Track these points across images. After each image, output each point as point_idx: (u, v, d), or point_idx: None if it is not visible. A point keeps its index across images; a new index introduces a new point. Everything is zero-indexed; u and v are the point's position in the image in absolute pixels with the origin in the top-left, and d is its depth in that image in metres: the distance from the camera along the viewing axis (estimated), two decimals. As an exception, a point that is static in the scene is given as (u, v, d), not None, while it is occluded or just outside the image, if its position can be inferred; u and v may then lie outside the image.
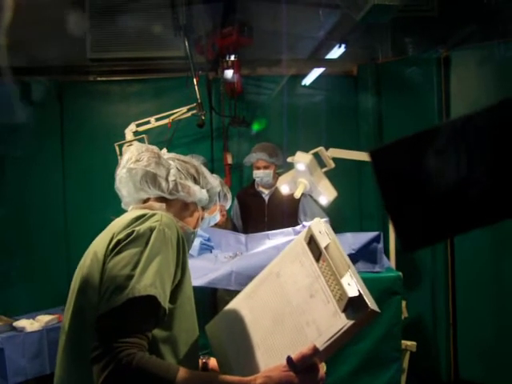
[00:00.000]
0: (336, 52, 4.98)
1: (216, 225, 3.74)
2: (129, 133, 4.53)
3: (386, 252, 3.75)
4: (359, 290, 1.37)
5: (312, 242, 1.52)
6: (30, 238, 5.08)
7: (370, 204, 5.21)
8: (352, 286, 1.38)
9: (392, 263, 3.75)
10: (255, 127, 5.37)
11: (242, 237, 3.97)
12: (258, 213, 4.68)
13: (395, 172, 0.91)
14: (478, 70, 4.78)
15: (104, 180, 4.44)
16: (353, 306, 1.36)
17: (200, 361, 1.84)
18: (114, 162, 4.12)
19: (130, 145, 4.31)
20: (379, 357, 3.23)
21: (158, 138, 4.62)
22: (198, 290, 2.03)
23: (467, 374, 4.76)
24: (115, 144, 4.45)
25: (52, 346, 3.96)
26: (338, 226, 3.86)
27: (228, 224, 4.64)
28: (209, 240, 3.74)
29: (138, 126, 4.54)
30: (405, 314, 3.50)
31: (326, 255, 1.46)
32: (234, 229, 4.66)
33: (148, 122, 4.55)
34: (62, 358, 1.59)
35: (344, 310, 1.37)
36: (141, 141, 4.37)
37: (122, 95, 5.46)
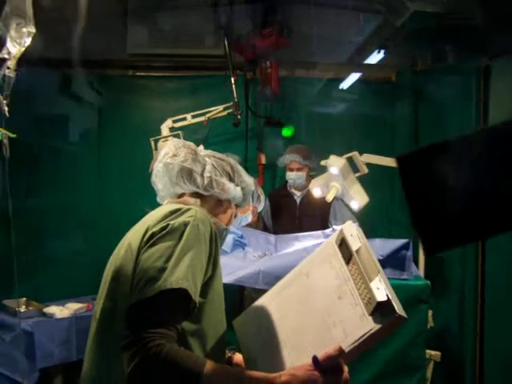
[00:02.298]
0: (375, 57, 4.98)
1: (247, 225, 3.77)
2: (165, 128, 4.58)
3: (415, 260, 3.73)
4: (388, 295, 1.38)
5: (343, 244, 1.54)
6: (63, 226, 5.16)
7: (400, 211, 5.18)
8: (381, 290, 1.39)
9: (421, 271, 3.74)
10: (287, 131, 5.37)
11: (272, 237, 3.99)
12: (289, 214, 4.70)
13: (420, 178, 0.94)
14: None
15: (139, 173, 4.50)
16: (381, 310, 1.37)
17: (227, 353, 1.87)
18: (148, 157, 4.23)
19: (166, 140, 4.36)
20: (403, 364, 3.22)
21: (193, 135, 4.65)
22: (225, 287, 2.06)
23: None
24: (151, 139, 4.50)
25: (80, 334, 4.02)
26: (368, 232, 3.82)
27: (259, 224, 4.66)
28: (241, 237, 3.77)
29: (174, 122, 4.58)
30: (431, 324, 3.48)
31: (357, 258, 1.48)
32: (265, 229, 4.68)
33: (184, 119, 4.59)
34: (92, 345, 1.63)
35: (371, 314, 1.38)
36: (176, 137, 4.41)
37: (160, 91, 5.52)
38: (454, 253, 4.88)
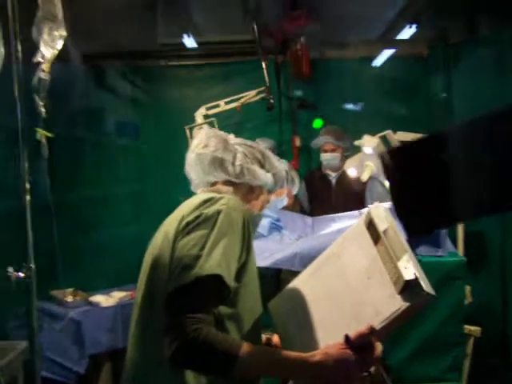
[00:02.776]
0: (407, 32, 4.94)
1: (284, 207, 3.81)
2: (199, 116, 4.64)
3: (454, 236, 3.73)
4: (415, 274, 1.41)
5: (371, 225, 1.58)
6: (106, 218, 5.30)
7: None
8: (409, 269, 1.43)
9: (460, 248, 3.74)
10: (318, 123, 5.38)
11: (309, 219, 4.03)
12: (324, 195, 4.72)
13: (407, 168, 1.01)
14: None
15: (176, 162, 4.58)
16: (409, 288, 1.41)
17: (265, 336, 1.94)
18: (184, 145, 4.30)
19: (201, 128, 4.42)
20: (441, 341, 3.25)
21: (227, 121, 4.72)
22: (262, 270, 2.11)
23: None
24: (186, 127, 4.56)
25: (125, 321, 4.14)
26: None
27: (296, 207, 4.70)
28: (278, 220, 3.81)
29: (207, 109, 4.64)
30: (469, 299, 3.49)
31: (384, 239, 1.52)
32: (302, 211, 4.71)
33: (217, 106, 4.64)
34: (135, 331, 1.71)
35: (400, 293, 1.42)
36: (210, 124, 4.47)
37: (192, 79, 5.60)
38: (493, 228, 4.85)
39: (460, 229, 3.82)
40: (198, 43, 5.40)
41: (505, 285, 4.90)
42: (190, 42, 5.26)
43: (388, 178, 1.11)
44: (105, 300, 4.26)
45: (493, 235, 4.92)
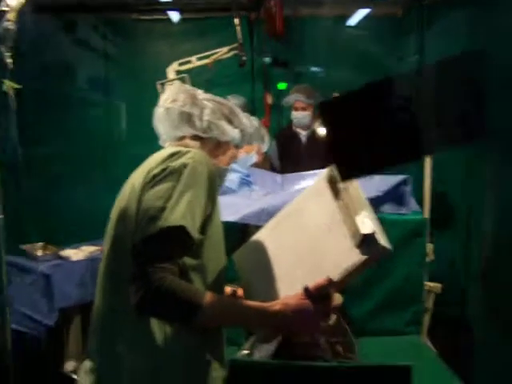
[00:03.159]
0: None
1: (254, 165, 3.84)
2: (171, 72, 4.61)
3: (420, 196, 3.81)
4: (372, 228, 1.47)
5: (332, 181, 1.63)
6: (75, 173, 5.27)
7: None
8: (366, 224, 1.48)
9: (426, 208, 3.81)
10: (282, 86, 5.38)
11: (278, 176, 4.07)
12: (295, 154, 4.76)
13: (339, 119, 1.25)
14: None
15: (147, 117, 4.57)
16: (366, 242, 1.47)
17: (230, 289, 1.99)
18: (155, 101, 4.28)
19: (172, 83, 4.41)
20: (402, 296, 3.34)
21: (199, 78, 4.69)
22: (229, 225, 2.16)
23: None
24: (158, 82, 4.54)
25: (95, 275, 4.12)
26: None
27: (266, 164, 4.73)
28: (248, 176, 3.85)
29: (180, 65, 4.61)
30: (430, 257, 3.58)
31: (345, 194, 1.57)
32: (272, 169, 4.75)
33: (189, 62, 4.62)
34: (102, 282, 1.75)
35: (358, 246, 1.48)
36: (182, 80, 4.45)
37: (165, 34, 5.53)
38: (459, 189, 4.96)
39: (426, 189, 3.90)
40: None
41: (468, 244, 5.02)
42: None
43: (324, 127, 1.33)
44: (75, 254, 4.28)
45: (458, 196, 5.03)
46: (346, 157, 1.16)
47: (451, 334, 4.28)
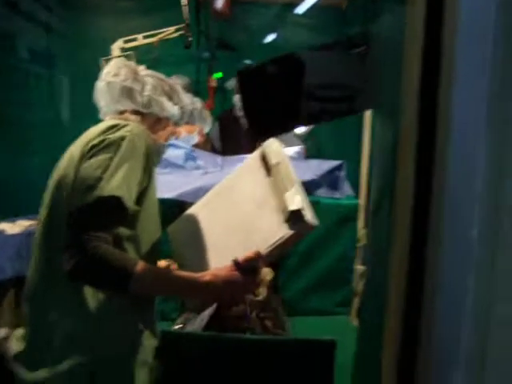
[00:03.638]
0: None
1: (195, 145, 3.88)
2: (116, 49, 4.57)
3: (357, 181, 3.93)
4: (300, 205, 1.54)
5: (265, 159, 1.69)
6: (12, 145, 5.19)
7: (345, 134, 5.31)
8: (295, 200, 1.55)
9: (362, 194, 3.94)
10: (217, 75, 5.42)
11: (219, 158, 4.12)
12: (236, 136, 4.80)
13: (252, 86, 1.33)
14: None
15: (91, 93, 4.54)
16: (294, 218, 1.54)
17: (165, 263, 2.04)
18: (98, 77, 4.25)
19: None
20: (333, 277, 3.46)
21: (144, 56, 4.66)
22: (166, 202, 2.20)
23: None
24: (102, 59, 4.50)
25: (31, 250, 4.11)
26: (313, 154, 4.03)
27: (207, 145, 4.77)
28: (193, 151, 3.88)
29: (125, 42, 4.58)
30: (363, 241, 3.70)
31: (276, 172, 1.63)
32: (213, 150, 4.79)
33: (135, 40, 4.60)
34: (36, 250, 1.77)
35: (286, 221, 1.55)
36: (128, 57, 4.43)
37: (111, 10, 5.47)
38: (393, 179, 5.11)
39: (363, 175, 4.02)
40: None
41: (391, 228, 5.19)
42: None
43: (240, 93, 1.44)
44: (10, 228, 4.22)
45: (392, 184, 5.17)
46: (258, 118, 1.27)
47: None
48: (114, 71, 1.94)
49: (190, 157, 3.71)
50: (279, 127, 1.30)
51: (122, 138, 1.66)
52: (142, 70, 2.02)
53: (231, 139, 4.85)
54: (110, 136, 1.67)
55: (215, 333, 1.91)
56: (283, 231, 1.55)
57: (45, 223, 1.74)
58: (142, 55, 4.62)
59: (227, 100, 5.50)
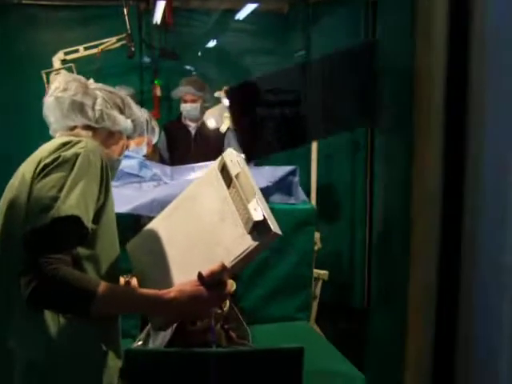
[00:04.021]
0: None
1: (144, 156, 3.83)
2: (56, 61, 4.50)
3: (307, 187, 3.95)
4: (264, 215, 1.52)
5: (224, 170, 1.67)
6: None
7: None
8: (258, 211, 1.53)
9: (313, 199, 3.96)
10: (158, 82, 5.40)
11: (168, 168, 4.08)
12: (184, 146, 4.78)
13: (244, 102, 1.25)
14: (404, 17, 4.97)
15: (31, 107, 4.44)
16: (257, 228, 1.52)
17: (123, 279, 1.99)
18: (41, 90, 4.16)
19: (58, 73, 4.30)
20: (291, 283, 3.46)
21: (86, 68, 4.60)
22: (121, 216, 2.15)
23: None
24: (42, 72, 4.41)
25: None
26: (261, 161, 4.03)
27: (155, 156, 4.73)
28: (145, 160, 3.83)
29: (66, 54, 4.50)
30: (318, 245, 3.72)
31: (236, 182, 1.61)
32: (162, 161, 4.75)
33: (76, 51, 4.53)
34: None
35: (250, 232, 1.53)
36: (69, 69, 4.35)
37: (50, 21, 5.35)
38: (344, 180, 5.19)
39: (313, 181, 4.06)
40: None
41: (354, 233, 5.28)
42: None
43: (230, 111, 1.36)
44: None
45: (343, 188, 5.26)
46: (249, 139, 1.24)
47: (337, 318, 4.49)
48: (62, 86, 1.88)
49: (143, 165, 3.66)
50: (274, 146, 1.27)
51: (77, 155, 1.61)
52: (92, 83, 1.97)
53: (179, 149, 4.82)
54: (64, 153, 1.62)
55: (181, 348, 1.87)
56: (248, 242, 1.52)
57: None
58: (83, 66, 4.56)
59: (173, 109, 5.47)
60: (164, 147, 4.88)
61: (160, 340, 2.20)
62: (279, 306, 3.45)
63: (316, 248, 3.62)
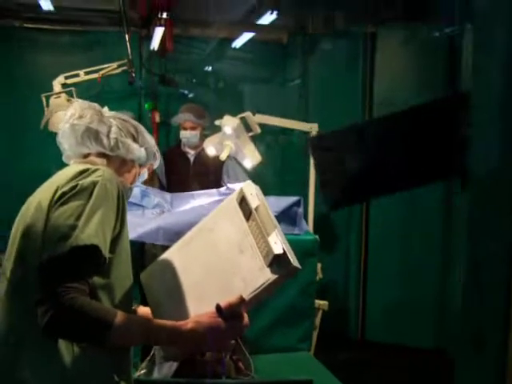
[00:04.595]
0: (268, 18, 5.09)
1: (142, 182, 3.81)
2: (57, 85, 4.48)
3: (305, 217, 3.95)
4: (283, 248, 1.53)
5: (243, 202, 1.67)
6: None
7: (292, 170, 5.39)
8: (278, 244, 1.53)
9: (310, 227, 3.96)
10: (148, 106, 5.42)
11: (168, 195, 4.06)
12: (183, 172, 4.79)
13: (327, 154, 1.23)
14: (402, 49, 5.05)
15: (30, 130, 4.43)
16: (277, 262, 1.52)
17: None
18: (40, 113, 4.16)
19: (58, 97, 4.30)
20: (294, 313, 3.44)
21: (86, 93, 4.60)
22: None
23: (372, 334, 5.15)
24: (42, 95, 4.40)
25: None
26: (261, 190, 4.02)
27: (154, 182, 4.72)
28: (147, 188, 3.82)
29: (66, 78, 4.50)
30: (319, 275, 3.72)
31: (256, 215, 1.61)
32: (160, 187, 4.74)
33: (77, 75, 4.53)
34: (4, 304, 1.67)
35: (269, 265, 1.53)
36: (69, 93, 4.36)
37: (51, 45, 5.38)
38: (340, 211, 5.21)
39: (310, 211, 4.06)
40: (57, 7, 5.19)
41: (349, 263, 5.30)
42: (46, 4, 5.04)
43: (314, 159, 1.42)
44: None
45: (339, 217, 5.28)
46: (332, 188, 1.25)
47: (335, 348, 4.47)
48: (78, 113, 1.88)
49: (145, 193, 3.64)
50: (359, 197, 1.27)
51: (94, 184, 1.61)
52: (106, 111, 1.98)
53: (177, 175, 4.82)
54: (81, 182, 1.61)
55: (193, 379, 1.85)
56: (267, 275, 1.52)
57: (12, 276, 1.65)
58: (83, 91, 4.56)
59: (171, 135, 5.48)
60: (162, 173, 4.88)
61: (166, 369, 2.18)
62: (281, 336, 3.42)
63: (317, 278, 3.62)
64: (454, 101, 1.21)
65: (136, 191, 3.51)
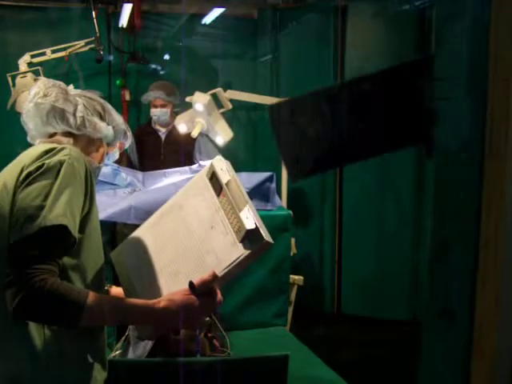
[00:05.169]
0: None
1: (115, 162, 3.77)
2: (23, 64, 4.39)
3: (279, 192, 3.95)
4: (256, 223, 1.51)
5: (214, 178, 1.65)
6: None
7: (265, 146, 5.38)
8: (249, 219, 1.52)
9: (284, 203, 3.96)
10: (118, 82, 5.35)
11: (139, 174, 4.02)
12: (154, 151, 4.75)
13: (286, 123, 1.21)
14: (373, 22, 5.04)
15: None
16: (249, 237, 1.51)
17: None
18: (6, 94, 4.07)
19: (24, 76, 4.21)
20: (269, 289, 3.45)
21: (53, 71, 4.54)
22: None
23: (348, 308, 5.19)
24: (8, 75, 4.31)
25: None
26: (233, 167, 4.00)
27: (123, 161, 4.67)
28: (118, 168, 3.77)
29: (32, 57, 4.41)
30: (294, 251, 3.73)
31: (227, 190, 1.60)
32: (130, 166, 4.70)
33: (43, 54, 4.43)
34: None
35: (241, 241, 1.52)
36: (36, 72, 4.27)
37: (15, 23, 5.23)
38: (314, 184, 5.21)
39: (284, 186, 4.06)
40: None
41: (323, 237, 5.31)
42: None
43: (273, 129, 1.33)
44: None
45: (313, 190, 5.29)
46: (293, 159, 1.22)
47: (312, 322, 4.50)
48: (42, 92, 1.83)
49: (117, 172, 3.60)
50: (319, 166, 1.24)
51: (61, 163, 1.57)
52: (71, 89, 1.93)
53: (149, 154, 4.78)
54: (48, 161, 1.58)
55: (166, 358, 1.84)
56: (239, 251, 1.51)
57: None
58: (50, 70, 4.49)
59: (142, 113, 5.42)
60: (134, 152, 4.83)
61: (141, 349, 2.17)
62: (257, 312, 3.43)
63: (292, 253, 3.62)
64: (422, 64, 1.19)
65: (108, 170, 3.46)
